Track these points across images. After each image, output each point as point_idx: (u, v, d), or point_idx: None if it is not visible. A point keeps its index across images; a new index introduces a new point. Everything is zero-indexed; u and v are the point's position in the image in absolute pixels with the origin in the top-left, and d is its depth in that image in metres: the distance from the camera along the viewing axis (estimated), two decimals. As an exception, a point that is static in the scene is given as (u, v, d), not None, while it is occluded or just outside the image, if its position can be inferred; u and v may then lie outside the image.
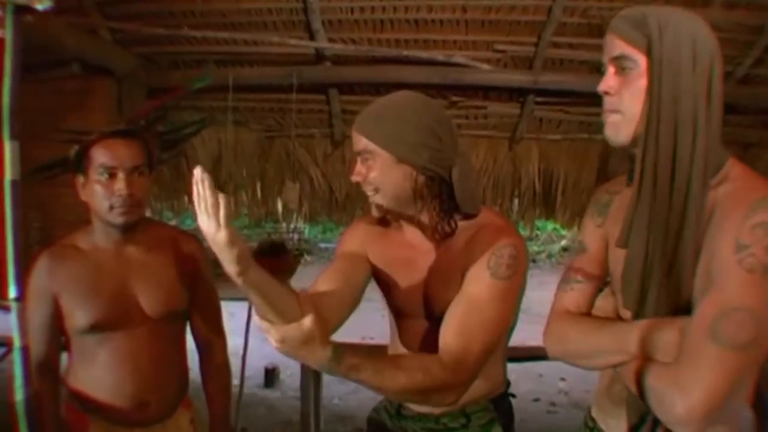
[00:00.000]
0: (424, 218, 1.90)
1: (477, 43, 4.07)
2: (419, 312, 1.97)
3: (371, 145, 1.83)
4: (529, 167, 4.78)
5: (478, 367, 1.73)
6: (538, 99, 4.39)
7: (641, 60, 1.41)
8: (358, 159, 1.88)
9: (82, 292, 2.18)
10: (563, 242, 15.70)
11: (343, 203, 5.03)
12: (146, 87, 4.29)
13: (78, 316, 2.17)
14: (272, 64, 4.27)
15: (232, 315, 9.73)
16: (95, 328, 2.17)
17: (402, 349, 2.06)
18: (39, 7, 1.17)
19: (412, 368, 1.65)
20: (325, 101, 4.61)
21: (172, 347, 2.37)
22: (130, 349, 2.23)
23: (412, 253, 1.98)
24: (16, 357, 1.14)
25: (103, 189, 2.15)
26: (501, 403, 2.05)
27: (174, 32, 4.04)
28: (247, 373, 4.60)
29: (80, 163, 2.19)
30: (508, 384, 2.11)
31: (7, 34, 1.16)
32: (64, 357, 2.27)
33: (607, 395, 1.65)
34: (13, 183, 1.11)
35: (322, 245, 15.73)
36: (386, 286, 2.04)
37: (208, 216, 1.36)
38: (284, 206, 5.00)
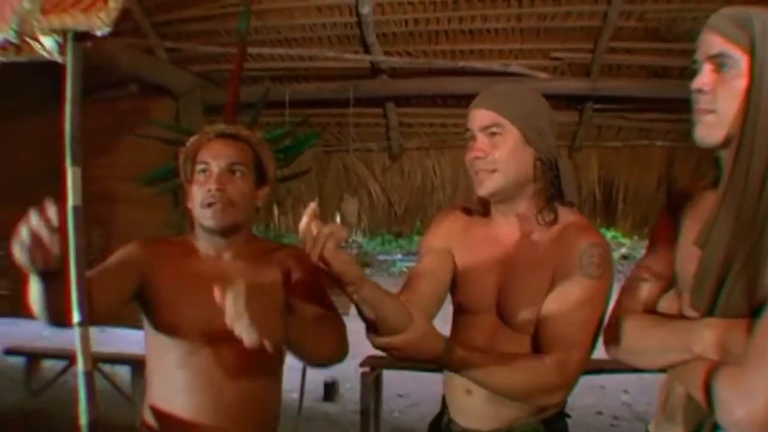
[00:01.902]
0: (529, 205, 1.91)
1: (533, 51, 4.04)
2: (489, 307, 1.95)
3: (503, 121, 1.83)
4: (589, 175, 4.72)
5: (580, 367, 1.76)
6: (597, 106, 4.33)
7: (743, 59, 1.36)
8: (479, 136, 1.85)
9: (172, 286, 2.01)
10: (623, 250, 15.47)
11: (402, 216, 5.02)
12: (203, 104, 4.35)
13: (163, 313, 2.01)
14: (328, 79, 4.31)
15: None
16: (177, 331, 1.98)
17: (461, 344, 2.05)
18: (98, 33, 1.19)
19: (519, 368, 1.74)
20: (382, 114, 4.62)
21: (265, 379, 2.13)
22: (215, 372, 2.01)
23: (494, 247, 1.97)
24: (80, 381, 1.15)
25: (197, 187, 2.03)
26: (555, 425, 1.98)
27: (229, 50, 4.09)
28: (306, 387, 4.61)
29: (186, 169, 2.09)
30: (564, 403, 2.06)
31: (68, 61, 1.18)
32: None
33: (663, 410, 1.61)
34: (75, 209, 1.12)
35: (382, 257, 15.79)
36: (461, 279, 2.02)
37: (317, 247, 1.53)
38: (343, 220, 5.02)
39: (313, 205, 1.53)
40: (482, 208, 2.03)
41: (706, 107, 1.41)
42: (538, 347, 1.83)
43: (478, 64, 4.02)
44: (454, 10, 3.80)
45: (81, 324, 1.13)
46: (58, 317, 1.62)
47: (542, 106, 1.91)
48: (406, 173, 4.87)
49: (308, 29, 4.06)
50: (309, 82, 4.38)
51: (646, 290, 1.61)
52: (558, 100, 4.31)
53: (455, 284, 2.05)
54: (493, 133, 1.85)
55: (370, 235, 5.57)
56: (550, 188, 1.90)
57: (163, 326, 2.02)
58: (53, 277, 1.53)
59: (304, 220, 1.55)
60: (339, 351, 1.94)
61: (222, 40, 4.13)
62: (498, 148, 1.86)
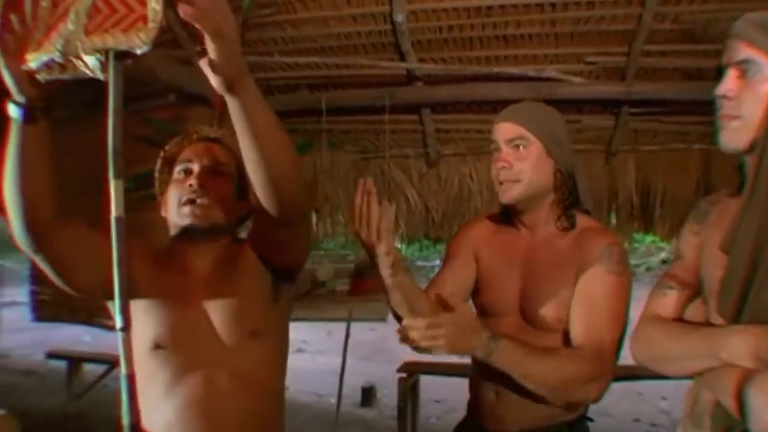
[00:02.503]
0: (549, 213, 2.04)
1: (568, 56, 4.04)
2: (513, 309, 2.04)
3: (528, 135, 1.98)
4: (626, 180, 4.71)
5: (613, 359, 1.85)
6: (633, 110, 4.31)
7: (767, 65, 1.38)
8: (504, 148, 2.00)
9: (151, 275, 1.82)
10: (662, 254, 15.31)
11: (440, 222, 5.05)
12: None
13: (145, 329, 1.79)
14: (364, 86, 4.35)
15: (330, 334, 9.87)
16: (159, 352, 1.76)
17: None
18: (138, 52, 1.24)
19: (559, 357, 1.84)
20: (419, 121, 4.66)
21: (265, 405, 1.87)
22: (206, 401, 1.75)
23: (516, 253, 2.08)
24: (123, 384, 1.19)
25: (175, 187, 1.88)
26: (578, 428, 2.06)
27: (266, 59, 4.17)
28: (344, 392, 4.65)
29: (163, 174, 1.97)
30: (586, 406, 2.09)
31: (110, 78, 1.23)
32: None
33: (690, 416, 1.61)
34: (118, 219, 1.16)
35: (420, 263, 15.81)
36: (485, 283, 2.12)
37: (370, 226, 1.74)
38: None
39: (369, 180, 1.76)
40: (506, 217, 2.15)
41: (730, 113, 1.42)
42: (569, 344, 1.91)
43: (513, 70, 4.02)
44: (488, 17, 3.82)
45: (123, 329, 1.17)
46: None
47: (561, 121, 2.08)
48: (443, 179, 4.91)
49: (343, 38, 4.10)
50: (345, 90, 4.42)
51: (673, 298, 1.62)
52: (593, 105, 4.32)
53: (479, 288, 2.14)
54: (518, 146, 1.99)
55: (408, 241, 5.59)
56: (568, 197, 2.04)
57: (144, 345, 1.78)
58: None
59: (359, 195, 1.77)
60: (295, 164, 1.60)
61: (258, 49, 4.18)
62: (523, 159, 2.00)
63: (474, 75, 4.13)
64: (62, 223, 1.62)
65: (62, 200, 1.62)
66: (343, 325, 4.58)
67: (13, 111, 1.44)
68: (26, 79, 1.36)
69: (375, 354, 8.65)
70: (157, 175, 1.99)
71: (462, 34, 3.97)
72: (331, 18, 3.98)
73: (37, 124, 1.47)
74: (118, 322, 1.18)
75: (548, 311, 1.96)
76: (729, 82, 1.42)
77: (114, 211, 1.16)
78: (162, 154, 1.99)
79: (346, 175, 4.99)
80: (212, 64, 1.29)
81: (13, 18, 1.31)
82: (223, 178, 1.90)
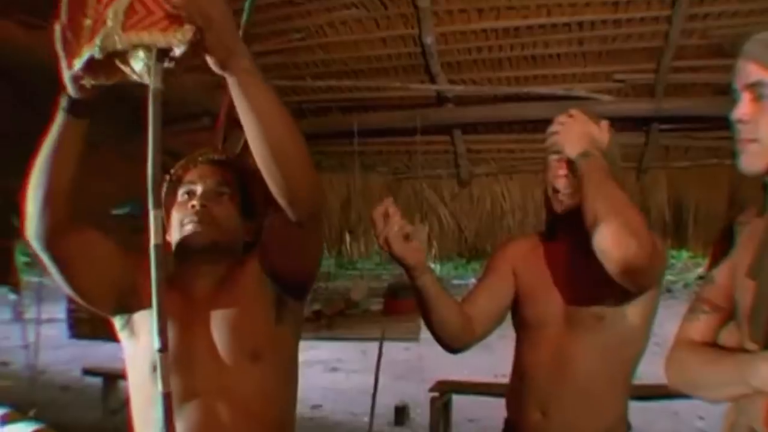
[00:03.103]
0: None
1: (596, 74, 4.06)
2: (557, 320, 2.08)
3: None
4: (658, 196, 4.70)
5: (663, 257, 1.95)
6: (663, 126, 4.32)
7: None
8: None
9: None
10: (700, 270, 15.12)
11: (473, 241, 5.08)
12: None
13: (138, 356, 1.77)
14: (395, 108, 4.41)
15: (364, 353, 9.86)
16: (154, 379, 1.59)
17: (528, 366, 2.14)
18: (177, 51, 1.29)
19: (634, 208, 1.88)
20: (450, 142, 4.70)
21: (259, 423, 1.77)
22: (196, 412, 1.71)
23: (557, 265, 2.13)
24: (159, 401, 1.22)
25: (177, 209, 1.85)
26: None
27: (298, 83, 4.24)
28: (377, 411, 4.66)
29: (168, 197, 1.90)
30: (629, 427, 2.12)
31: (151, 82, 1.27)
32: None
33: None
34: (157, 247, 1.21)
35: (455, 282, 15.78)
36: (527, 297, 2.17)
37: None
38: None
39: (389, 200, 1.89)
40: (549, 232, 2.18)
41: (748, 137, 1.40)
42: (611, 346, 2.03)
43: (542, 90, 4.06)
44: (516, 37, 3.86)
45: (161, 350, 1.22)
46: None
47: (613, 141, 2.06)
48: (475, 199, 4.95)
49: (374, 60, 4.16)
50: (376, 112, 4.48)
51: (705, 322, 1.59)
52: (623, 122, 4.31)
53: (521, 302, 2.18)
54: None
55: (441, 261, 5.62)
56: None
57: (145, 366, 1.72)
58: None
59: (379, 208, 1.89)
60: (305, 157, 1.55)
61: (290, 73, 4.25)
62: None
63: (503, 95, 4.17)
64: (75, 226, 1.64)
65: (81, 210, 1.66)
66: (375, 345, 4.61)
67: (63, 102, 1.50)
68: (78, 80, 1.42)
69: (409, 373, 8.65)
70: (163, 198, 1.90)
71: (491, 55, 4.01)
72: (362, 41, 4.04)
73: (79, 122, 1.52)
74: (156, 344, 1.21)
75: (588, 309, 2.02)
76: (743, 106, 1.39)
77: (153, 239, 1.19)
78: (168, 177, 1.94)
79: (379, 196, 5.02)
80: (205, 46, 1.31)
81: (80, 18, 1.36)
82: (227, 199, 1.87)
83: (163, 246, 1.22)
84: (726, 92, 3.69)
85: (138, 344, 1.78)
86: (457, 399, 5.36)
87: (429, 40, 3.85)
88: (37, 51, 2.95)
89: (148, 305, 1.59)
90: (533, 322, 2.14)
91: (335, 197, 4.99)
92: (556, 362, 2.04)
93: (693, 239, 4.80)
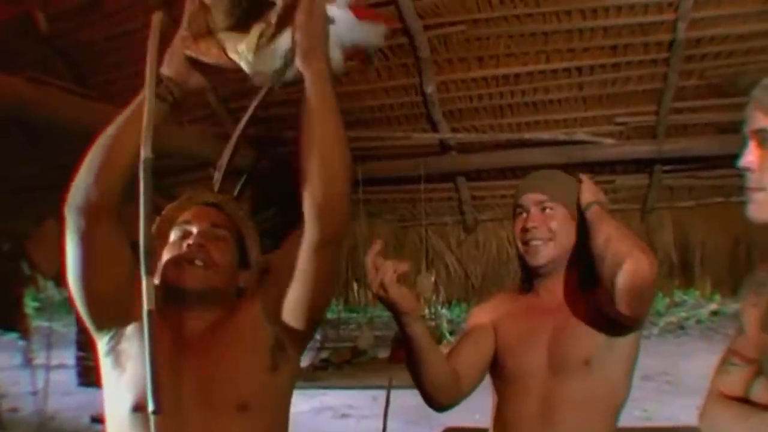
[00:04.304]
0: (569, 275, 2.15)
1: (597, 118, 4.09)
2: (540, 369, 2.10)
3: (553, 202, 2.15)
4: (664, 237, 4.66)
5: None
6: (666, 167, 4.32)
7: None
8: (532, 210, 2.16)
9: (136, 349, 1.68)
10: (712, 306, 15.01)
11: (480, 286, 5.07)
12: (279, 187, 4.51)
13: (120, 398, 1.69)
14: (399, 157, 4.44)
15: (375, 399, 9.81)
16: (137, 408, 1.62)
17: (513, 419, 2.15)
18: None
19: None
20: (454, 189, 4.72)
21: None
22: None
23: (541, 313, 2.17)
24: None
25: (171, 248, 1.77)
26: None
27: (303, 133, 4.25)
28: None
29: (159, 237, 1.83)
30: None
31: (143, 152, 1.31)
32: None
33: None
34: (150, 313, 1.23)
35: (464, 326, 15.78)
36: (508, 349, 2.19)
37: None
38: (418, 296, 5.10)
39: (378, 243, 1.94)
40: (527, 285, 2.26)
41: (755, 186, 1.40)
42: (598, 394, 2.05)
43: (544, 135, 4.09)
44: (516, 84, 3.90)
45: (155, 413, 1.22)
46: None
47: (575, 187, 2.22)
48: (481, 244, 4.95)
49: (377, 110, 4.21)
50: (380, 161, 4.51)
51: (736, 376, 1.55)
52: (626, 165, 4.34)
53: (503, 355, 2.21)
54: (545, 208, 2.16)
55: (448, 306, 5.61)
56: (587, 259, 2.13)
57: (124, 404, 1.67)
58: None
59: (370, 255, 1.90)
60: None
61: (295, 123, 4.23)
62: (553, 219, 2.15)
63: (506, 142, 4.21)
64: (117, 215, 1.59)
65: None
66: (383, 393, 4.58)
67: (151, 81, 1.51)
68: (185, 65, 1.56)
69: (420, 419, 8.56)
70: (156, 233, 1.85)
71: (492, 102, 4.05)
72: (365, 92, 4.10)
73: (161, 107, 1.52)
74: (150, 405, 1.21)
75: (575, 352, 2.05)
76: (749, 154, 1.40)
77: (146, 305, 1.20)
78: (159, 218, 1.89)
79: (385, 243, 5.02)
80: (297, 29, 1.46)
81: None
82: (223, 243, 1.81)
83: (155, 313, 1.23)
84: (727, 131, 3.74)
85: (121, 376, 1.70)
86: (465, 445, 5.31)
87: (430, 89, 3.90)
88: (44, 106, 3.04)
89: (135, 338, 1.68)
90: (517, 372, 2.16)
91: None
92: (544, 413, 2.06)
93: (700, 278, 4.75)
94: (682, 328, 15.02)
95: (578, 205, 2.17)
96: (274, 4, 1.46)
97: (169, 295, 1.73)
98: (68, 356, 7.70)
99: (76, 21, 3.76)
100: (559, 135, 4.07)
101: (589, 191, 2.17)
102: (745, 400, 1.53)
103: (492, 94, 4.00)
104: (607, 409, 2.10)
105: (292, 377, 1.82)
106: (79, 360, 6.13)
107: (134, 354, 1.68)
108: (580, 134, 4.07)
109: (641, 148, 4.13)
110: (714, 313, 15.10)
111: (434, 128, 4.20)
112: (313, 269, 1.62)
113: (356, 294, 5.19)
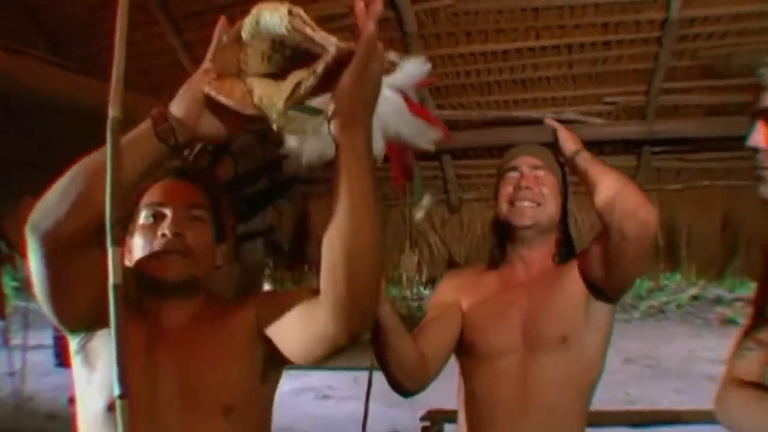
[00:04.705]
0: (548, 248, 2.14)
1: (586, 97, 4.02)
2: (515, 345, 2.06)
3: (546, 170, 2.17)
4: (650, 219, 4.62)
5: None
6: (655, 149, 4.27)
7: None
8: (526, 170, 2.16)
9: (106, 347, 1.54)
10: (692, 291, 15.15)
11: (464, 267, 4.99)
12: (262, 161, 4.42)
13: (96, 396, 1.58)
14: (383, 135, 4.33)
15: (356, 381, 9.83)
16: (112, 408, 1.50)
17: (487, 400, 2.08)
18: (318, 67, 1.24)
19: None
20: (439, 167, 4.65)
21: None
22: None
23: (512, 288, 2.13)
24: None
25: (144, 235, 1.60)
26: None
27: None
28: (367, 439, 4.60)
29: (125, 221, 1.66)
30: None
31: (111, 111, 1.18)
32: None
33: None
34: (116, 287, 1.12)
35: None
36: (478, 325, 2.14)
37: None
38: (402, 275, 5.05)
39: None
40: (498, 256, 2.23)
41: (766, 164, 1.39)
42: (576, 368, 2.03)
43: (532, 113, 4.01)
44: (505, 61, 3.82)
45: (122, 396, 1.13)
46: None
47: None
48: (465, 225, 4.88)
49: (362, 86, 4.10)
50: (365, 138, 4.41)
51: (752, 360, 1.55)
52: (615, 145, 4.28)
53: (471, 331, 2.14)
54: (537, 175, 2.16)
55: (432, 286, 5.56)
56: (567, 236, 2.20)
57: (98, 403, 1.56)
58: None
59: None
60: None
61: None
62: (543, 184, 2.15)
63: (493, 119, 4.13)
64: (89, 241, 1.36)
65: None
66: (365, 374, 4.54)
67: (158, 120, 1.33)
68: (199, 104, 1.33)
69: (402, 401, 8.56)
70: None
71: (479, 79, 3.97)
72: (347, 67, 3.98)
73: (161, 149, 1.33)
74: (116, 390, 1.13)
75: (552, 329, 2.02)
76: (756, 133, 1.39)
77: (112, 279, 1.10)
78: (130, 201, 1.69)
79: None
80: (342, 89, 1.24)
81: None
82: (200, 224, 1.66)
83: (123, 285, 1.11)
84: (718, 113, 3.70)
85: (92, 375, 1.59)
86: (448, 428, 5.28)
87: (416, 64, 3.79)
88: (20, 77, 2.92)
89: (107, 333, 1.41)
90: (487, 351, 2.10)
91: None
92: (519, 394, 2.01)
93: (686, 262, 4.72)
94: (662, 312, 15.13)
95: (559, 163, 2.22)
96: (320, 55, 1.22)
97: (145, 285, 1.63)
98: (46, 336, 7.60)
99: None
100: (548, 113, 3.94)
101: (569, 139, 2.19)
102: (760, 385, 1.53)
103: (480, 71, 3.92)
104: (583, 387, 2.08)
105: (277, 380, 1.73)
106: (57, 340, 6.02)
107: (105, 353, 1.55)
108: (569, 113, 4.01)
109: (630, 129, 4.08)
110: (694, 297, 15.27)
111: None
112: (323, 351, 1.47)
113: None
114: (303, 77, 1.22)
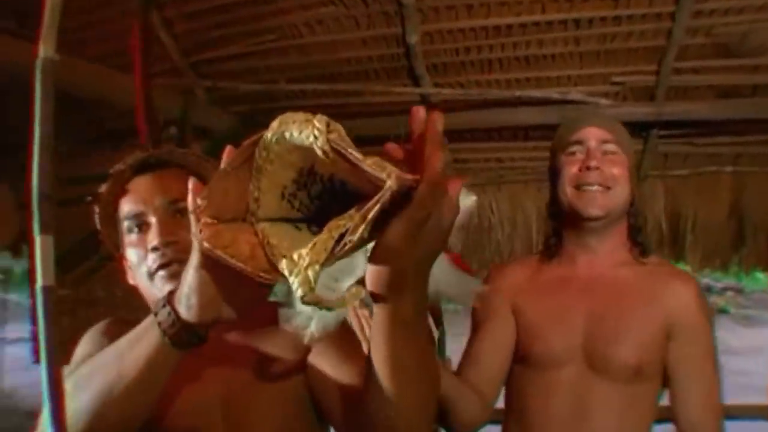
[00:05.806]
0: (619, 239, 1.84)
1: (593, 76, 3.83)
2: (575, 356, 1.75)
3: (617, 146, 1.83)
4: (655, 206, 4.46)
5: None
6: (662, 132, 4.08)
7: None
8: (593, 146, 1.81)
9: None
10: (704, 282, 15.14)
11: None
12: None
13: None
14: (377, 115, 4.12)
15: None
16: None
17: (539, 415, 1.81)
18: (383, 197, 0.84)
19: None
20: (435, 151, 4.43)
21: None
22: None
23: (575, 288, 1.81)
24: None
25: (135, 252, 1.39)
26: None
27: (271, 87, 3.99)
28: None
29: (109, 232, 1.45)
30: None
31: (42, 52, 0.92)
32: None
33: None
34: (45, 290, 0.85)
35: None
36: (533, 332, 1.83)
37: None
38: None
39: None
40: (554, 247, 1.88)
41: None
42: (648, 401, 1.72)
43: (536, 93, 3.83)
44: (508, 36, 3.62)
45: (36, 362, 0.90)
46: None
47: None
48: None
49: (353, 63, 3.92)
50: (356, 119, 4.19)
51: None
52: (621, 127, 4.09)
53: (526, 339, 1.83)
54: (609, 152, 1.81)
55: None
56: (639, 224, 1.86)
57: None
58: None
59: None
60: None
61: (263, 77, 4.01)
62: (614, 165, 1.80)
63: (494, 100, 3.93)
64: None
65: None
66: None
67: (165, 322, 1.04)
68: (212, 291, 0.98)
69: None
70: (100, 228, 1.46)
71: (480, 56, 3.76)
72: (340, 42, 3.79)
73: (175, 357, 1.06)
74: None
75: (626, 354, 1.69)
76: None
77: (40, 279, 0.84)
78: (98, 207, 1.45)
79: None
80: (379, 245, 0.83)
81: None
82: (188, 219, 1.39)
83: (55, 289, 0.86)
84: (730, 95, 3.50)
85: None
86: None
87: (413, 39, 3.60)
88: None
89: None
90: (544, 361, 1.81)
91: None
92: (577, 414, 1.73)
93: (690, 251, 4.57)
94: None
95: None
96: (368, 196, 0.78)
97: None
98: (26, 330, 7.36)
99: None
100: (552, 93, 3.80)
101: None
102: None
103: (481, 47, 3.70)
104: (651, 414, 1.79)
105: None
106: (34, 335, 5.75)
107: None
108: (575, 93, 3.81)
109: (638, 110, 3.87)
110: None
111: (416, 83, 3.91)
112: None
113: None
114: (347, 225, 0.79)
